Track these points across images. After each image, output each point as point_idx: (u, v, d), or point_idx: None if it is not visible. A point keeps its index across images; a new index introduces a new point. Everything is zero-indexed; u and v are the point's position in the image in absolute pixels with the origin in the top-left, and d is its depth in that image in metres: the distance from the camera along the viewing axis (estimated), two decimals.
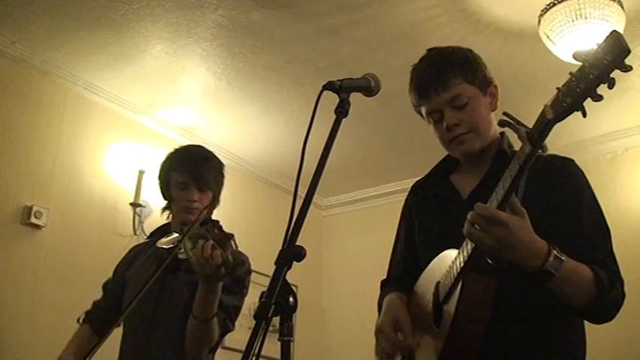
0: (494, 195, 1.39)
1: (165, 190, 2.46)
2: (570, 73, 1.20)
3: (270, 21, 3.41)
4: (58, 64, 3.79)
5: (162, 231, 2.47)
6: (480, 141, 1.71)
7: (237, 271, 1.91)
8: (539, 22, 3.08)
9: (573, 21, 2.92)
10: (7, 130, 3.59)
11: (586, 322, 1.62)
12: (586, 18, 2.91)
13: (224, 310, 2.17)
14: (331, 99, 1.45)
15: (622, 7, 2.95)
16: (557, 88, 1.22)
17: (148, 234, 2.73)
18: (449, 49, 1.80)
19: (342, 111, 1.45)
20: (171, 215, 2.50)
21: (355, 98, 1.49)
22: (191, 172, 2.37)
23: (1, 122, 3.57)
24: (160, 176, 2.49)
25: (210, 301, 2.07)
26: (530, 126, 1.33)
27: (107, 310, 2.45)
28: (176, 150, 2.51)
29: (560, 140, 4.35)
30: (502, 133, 1.77)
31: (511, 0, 3.22)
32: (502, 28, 3.42)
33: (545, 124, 1.26)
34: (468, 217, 1.36)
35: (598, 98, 1.17)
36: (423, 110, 1.76)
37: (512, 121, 1.34)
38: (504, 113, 1.38)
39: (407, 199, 1.96)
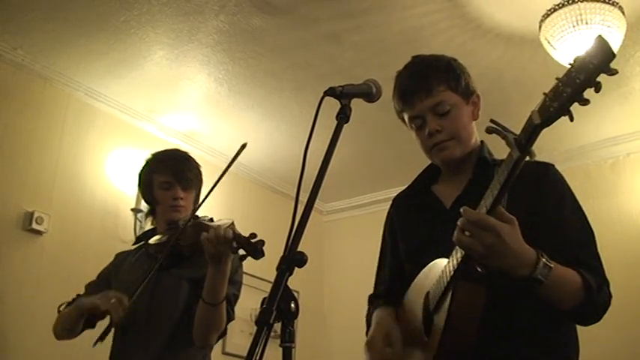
0: (483, 202, 1.38)
1: (148, 194, 2.49)
2: (557, 78, 1.19)
3: (271, 27, 3.41)
4: (59, 70, 3.80)
5: (148, 236, 2.50)
6: (460, 149, 1.72)
7: (251, 242, 1.95)
8: (540, 27, 3.08)
9: (574, 26, 2.92)
10: (9, 135, 3.59)
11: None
12: (587, 23, 2.91)
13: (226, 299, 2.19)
14: (332, 105, 1.46)
15: (623, 12, 2.96)
16: (544, 93, 1.21)
17: None
18: (433, 56, 1.82)
19: (343, 117, 1.45)
20: (155, 220, 2.52)
21: (356, 104, 1.50)
22: (173, 171, 2.41)
23: (3, 128, 3.58)
24: (140, 182, 2.53)
25: (220, 283, 2.09)
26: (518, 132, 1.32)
27: None
28: (153, 155, 2.56)
29: (562, 145, 4.35)
30: (482, 142, 1.78)
31: (512, 5, 3.22)
32: (503, 34, 3.42)
33: (532, 130, 1.24)
34: (458, 223, 1.35)
35: (585, 102, 1.16)
36: (406, 116, 1.78)
37: (499, 128, 1.34)
38: (492, 120, 1.37)
39: (389, 212, 1.97)
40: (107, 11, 3.29)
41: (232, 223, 2.09)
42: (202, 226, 2.15)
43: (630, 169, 4.31)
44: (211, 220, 2.30)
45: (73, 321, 2.29)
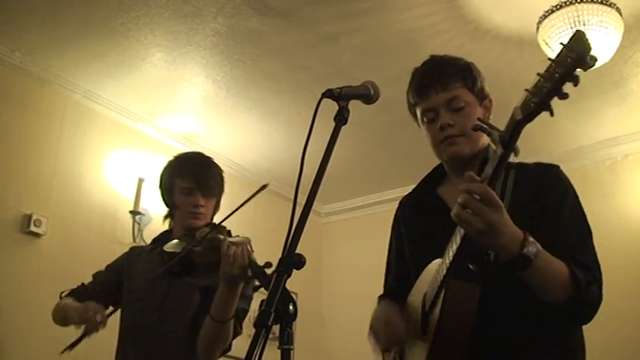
0: None
1: (168, 197, 2.45)
2: (538, 74, 1.22)
3: (269, 29, 3.41)
4: (57, 73, 3.80)
5: (165, 238, 2.47)
6: (469, 147, 1.71)
7: (266, 274, 1.92)
8: (537, 28, 3.09)
9: (572, 27, 2.93)
10: (7, 138, 3.59)
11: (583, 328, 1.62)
12: (584, 25, 2.91)
13: (234, 314, 2.16)
14: (330, 106, 1.46)
15: (620, 13, 2.96)
16: (526, 89, 1.24)
17: (147, 242, 2.72)
18: (452, 56, 1.83)
19: (341, 118, 1.45)
20: (172, 223, 2.49)
21: (354, 105, 1.50)
22: (195, 177, 2.37)
23: (1, 130, 3.57)
24: (161, 184, 2.48)
25: (231, 302, 2.07)
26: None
27: (93, 293, 2.42)
28: (176, 157, 2.51)
29: (560, 147, 4.35)
30: (488, 145, 1.78)
31: (510, 7, 3.23)
32: (501, 35, 3.43)
33: (514, 126, 1.26)
34: (459, 199, 1.33)
35: (564, 96, 1.18)
36: (419, 109, 1.78)
37: (484, 126, 1.36)
38: (478, 119, 1.39)
39: (395, 215, 1.97)
40: (105, 14, 3.29)
41: (249, 243, 2.06)
42: (219, 242, 2.09)
43: (628, 170, 4.31)
44: (229, 232, 2.27)
45: (61, 318, 2.39)
